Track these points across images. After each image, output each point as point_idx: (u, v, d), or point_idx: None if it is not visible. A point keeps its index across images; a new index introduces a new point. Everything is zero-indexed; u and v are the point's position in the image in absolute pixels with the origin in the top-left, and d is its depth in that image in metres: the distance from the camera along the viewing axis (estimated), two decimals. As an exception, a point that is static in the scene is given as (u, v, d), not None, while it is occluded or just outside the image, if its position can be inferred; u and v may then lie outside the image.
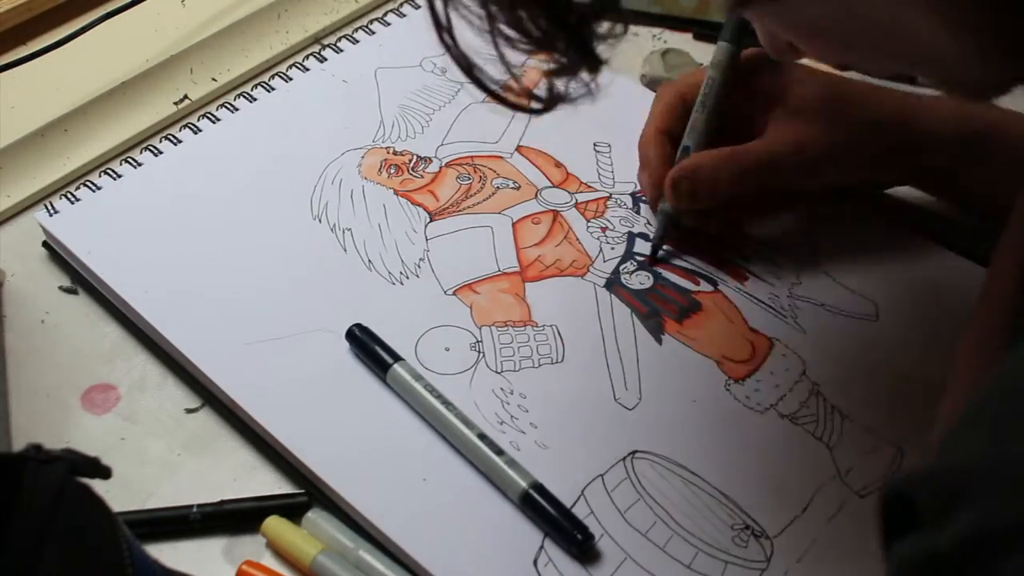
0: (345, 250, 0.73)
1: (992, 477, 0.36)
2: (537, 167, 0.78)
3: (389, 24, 0.87)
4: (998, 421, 0.37)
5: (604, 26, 0.45)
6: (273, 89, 0.82)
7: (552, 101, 0.47)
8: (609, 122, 0.79)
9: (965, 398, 0.54)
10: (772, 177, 0.71)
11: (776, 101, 0.71)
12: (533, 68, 0.45)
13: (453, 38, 0.46)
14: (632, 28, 0.43)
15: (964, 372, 0.56)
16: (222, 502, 0.63)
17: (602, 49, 0.45)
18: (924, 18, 0.45)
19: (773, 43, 0.60)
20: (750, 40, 0.68)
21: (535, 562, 0.60)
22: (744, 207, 0.73)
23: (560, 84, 0.47)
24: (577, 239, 0.74)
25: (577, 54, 0.45)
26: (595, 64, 0.46)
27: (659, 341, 0.69)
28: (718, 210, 0.72)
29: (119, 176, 0.77)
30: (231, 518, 0.63)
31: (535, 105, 0.48)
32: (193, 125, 0.80)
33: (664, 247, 0.73)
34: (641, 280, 0.72)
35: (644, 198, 0.75)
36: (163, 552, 0.61)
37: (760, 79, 0.72)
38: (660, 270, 0.72)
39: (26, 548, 0.43)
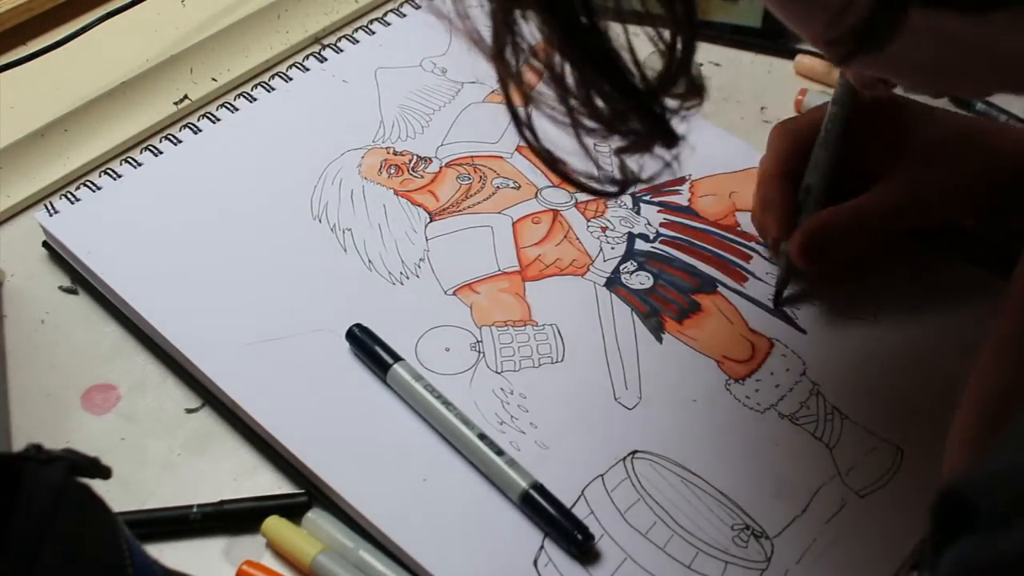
0: (345, 250, 0.73)
1: None
2: (537, 167, 0.78)
3: (389, 24, 0.87)
4: None
5: (676, 99, 0.44)
6: (273, 89, 0.82)
7: (627, 182, 0.46)
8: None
9: (985, 406, 0.54)
10: (896, 226, 0.70)
11: (896, 142, 0.69)
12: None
13: (535, 134, 0.45)
14: (632, 28, 0.42)
15: (982, 381, 0.55)
16: (222, 502, 0.63)
17: (677, 123, 0.44)
18: (1019, 42, 0.43)
19: (861, 79, 0.59)
20: None
21: (535, 562, 0.60)
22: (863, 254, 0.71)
23: (632, 163, 0.45)
24: (577, 238, 0.74)
25: (651, 130, 0.44)
26: (671, 139, 0.45)
27: (659, 340, 0.69)
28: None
29: (119, 176, 0.77)
30: (231, 518, 0.63)
31: (612, 189, 0.47)
32: (193, 125, 0.80)
33: (654, 230, 0.73)
34: (641, 280, 0.72)
35: (644, 198, 0.75)
36: (163, 552, 0.61)
37: (878, 117, 0.69)
38: (660, 270, 0.72)
39: (26, 548, 0.43)
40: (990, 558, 0.35)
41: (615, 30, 0.42)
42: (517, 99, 0.44)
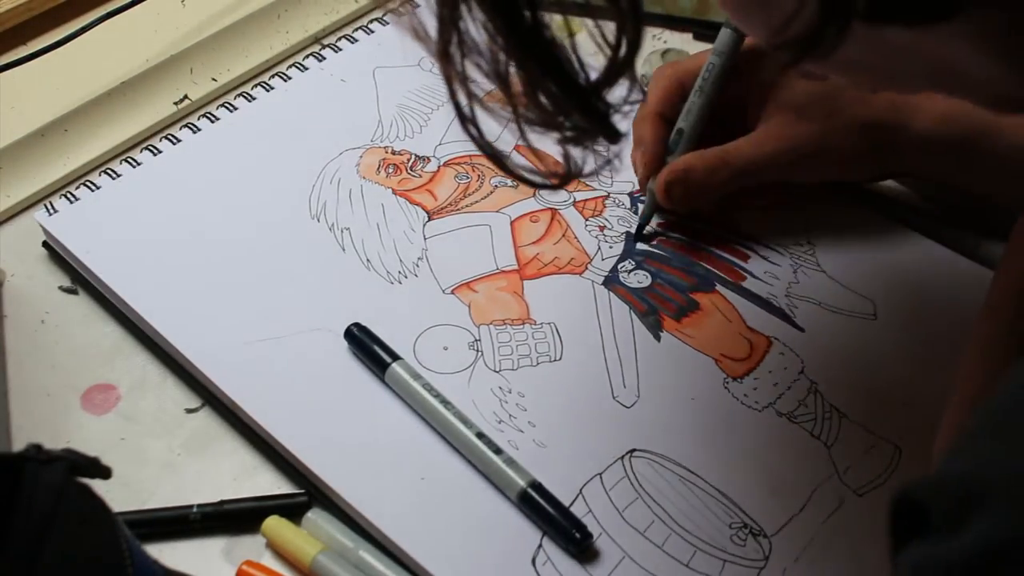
0: (343, 249, 0.73)
1: (1010, 487, 0.35)
2: (533, 165, 0.78)
3: (388, 24, 0.87)
4: (1015, 430, 0.37)
5: (618, 94, 0.45)
6: (272, 89, 0.82)
7: (570, 176, 0.48)
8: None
9: (972, 407, 0.54)
10: (763, 176, 0.71)
11: (770, 94, 0.71)
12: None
13: (479, 129, 0.46)
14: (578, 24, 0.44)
15: (967, 382, 0.55)
16: (222, 502, 0.64)
17: (618, 119, 0.45)
18: (971, 51, 0.44)
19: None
20: None
21: (533, 561, 0.60)
22: (734, 199, 0.73)
23: (577, 157, 0.47)
24: (575, 237, 0.74)
25: (593, 125, 0.45)
26: (613, 136, 0.46)
27: (657, 339, 0.69)
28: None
29: (119, 176, 0.77)
30: (231, 518, 0.63)
31: (553, 181, 0.49)
32: (193, 125, 0.80)
33: (652, 225, 0.74)
34: (639, 279, 0.72)
35: (643, 198, 0.75)
36: (163, 552, 0.61)
37: (756, 70, 0.72)
38: (659, 269, 0.72)
39: (26, 548, 0.43)
40: (937, 561, 0.36)
41: (558, 26, 0.42)
42: (461, 95, 0.45)
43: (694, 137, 0.72)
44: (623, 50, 0.43)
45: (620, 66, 0.44)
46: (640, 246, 0.74)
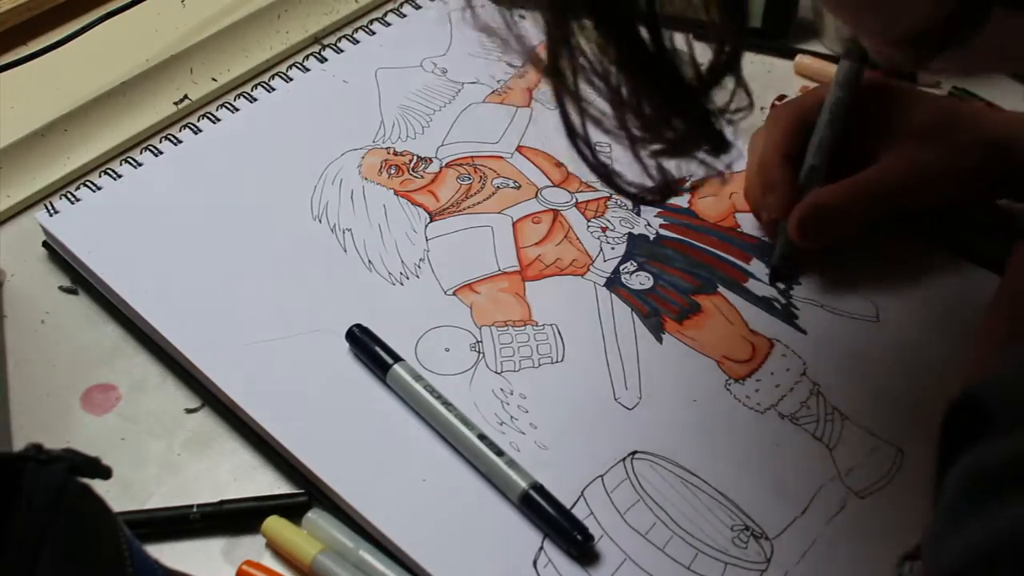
0: (345, 250, 0.73)
1: None
2: (537, 167, 0.78)
3: (389, 24, 0.87)
4: None
5: (723, 99, 0.44)
6: (273, 89, 0.82)
7: (669, 188, 0.47)
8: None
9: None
10: (894, 203, 0.70)
11: (889, 124, 0.71)
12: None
13: (591, 148, 0.45)
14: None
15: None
16: (222, 502, 0.63)
17: (726, 127, 0.44)
18: None
19: (886, 60, 0.59)
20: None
21: (535, 563, 0.60)
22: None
23: (675, 169, 0.46)
24: (577, 238, 0.74)
25: (698, 132, 0.44)
26: (720, 143, 0.45)
27: (659, 341, 0.69)
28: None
29: (119, 176, 0.77)
30: (231, 518, 0.63)
31: (656, 196, 0.48)
32: (193, 125, 0.80)
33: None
34: (641, 280, 0.72)
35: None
36: (163, 552, 0.61)
37: (872, 102, 0.71)
38: (660, 270, 0.72)
39: (26, 548, 0.43)
40: (1005, 456, 0.35)
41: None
42: (574, 114, 0.44)
43: (824, 172, 0.71)
44: (726, 50, 0.43)
45: (724, 66, 0.43)
46: (641, 247, 0.73)
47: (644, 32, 0.41)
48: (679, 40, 0.42)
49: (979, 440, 0.36)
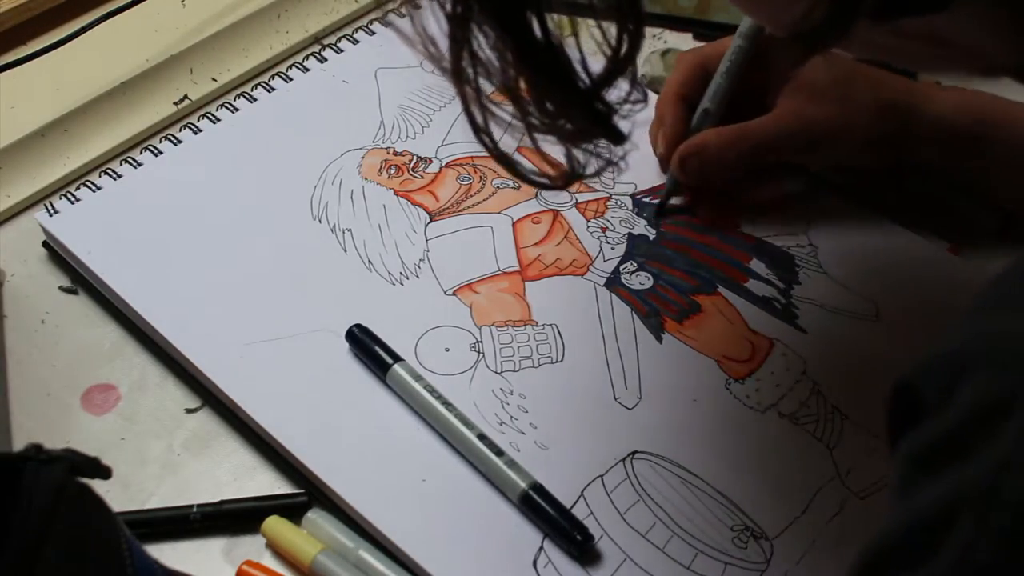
0: (345, 250, 0.73)
1: (989, 353, 0.36)
2: (537, 167, 0.78)
3: (390, 24, 0.87)
4: (994, 306, 0.39)
5: (620, 95, 0.46)
6: (273, 89, 0.82)
7: (573, 176, 0.49)
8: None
9: None
10: (778, 154, 0.73)
11: (789, 77, 0.73)
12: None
13: (493, 139, 0.47)
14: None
15: None
16: (222, 502, 0.63)
17: (621, 121, 0.47)
18: (964, 28, 0.47)
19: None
20: None
21: (534, 563, 0.60)
22: (744, 185, 0.75)
23: (581, 158, 0.48)
24: (577, 238, 0.74)
25: (595, 127, 0.46)
26: (616, 137, 0.47)
27: (659, 340, 0.69)
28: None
29: (119, 176, 0.77)
30: (231, 518, 0.63)
31: (558, 183, 0.50)
32: (193, 125, 0.80)
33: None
34: (641, 280, 0.72)
35: (644, 199, 0.75)
36: (163, 552, 0.61)
37: (774, 53, 0.73)
38: (660, 270, 0.72)
39: (26, 548, 0.43)
40: (932, 437, 0.37)
41: (559, 25, 0.44)
42: (476, 110, 0.47)
43: (718, 117, 0.74)
44: (623, 50, 0.44)
45: (619, 66, 0.45)
46: (641, 247, 0.73)
47: (538, 31, 0.43)
48: (572, 42, 0.44)
49: (916, 424, 0.38)
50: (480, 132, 0.47)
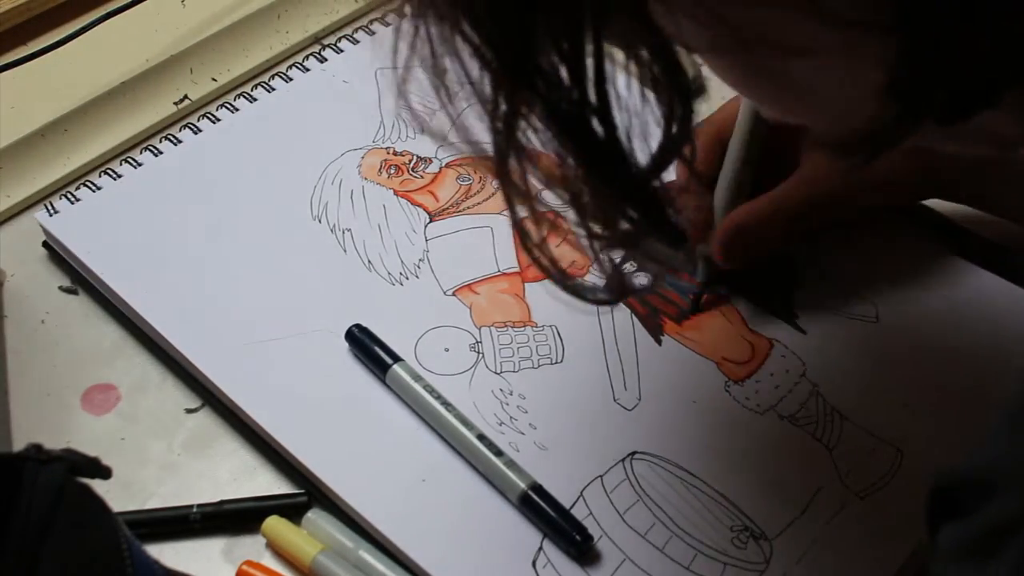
0: (345, 251, 0.73)
1: (1014, 474, 0.40)
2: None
3: (390, 24, 0.87)
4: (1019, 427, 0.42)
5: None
6: (273, 89, 0.82)
7: (623, 291, 0.47)
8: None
9: None
10: (817, 218, 0.69)
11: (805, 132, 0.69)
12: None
13: (551, 256, 0.45)
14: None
15: None
16: (222, 502, 0.63)
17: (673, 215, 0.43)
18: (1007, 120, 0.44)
19: None
20: None
21: (534, 563, 0.60)
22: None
23: (630, 269, 0.45)
24: (577, 240, 0.74)
25: (652, 222, 0.43)
26: (674, 236, 0.43)
27: (659, 342, 0.69)
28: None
29: (119, 176, 0.77)
30: (231, 518, 0.63)
31: (612, 297, 0.48)
32: (193, 125, 0.80)
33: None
34: (640, 281, 0.72)
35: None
36: (163, 552, 0.61)
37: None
38: (660, 271, 0.72)
39: (26, 548, 0.43)
40: (963, 539, 0.41)
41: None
42: (528, 220, 0.43)
43: (742, 189, 0.68)
44: (675, 129, 0.41)
45: (674, 146, 0.41)
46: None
47: (595, 121, 0.39)
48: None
49: (962, 511, 0.41)
50: (533, 247, 0.43)
